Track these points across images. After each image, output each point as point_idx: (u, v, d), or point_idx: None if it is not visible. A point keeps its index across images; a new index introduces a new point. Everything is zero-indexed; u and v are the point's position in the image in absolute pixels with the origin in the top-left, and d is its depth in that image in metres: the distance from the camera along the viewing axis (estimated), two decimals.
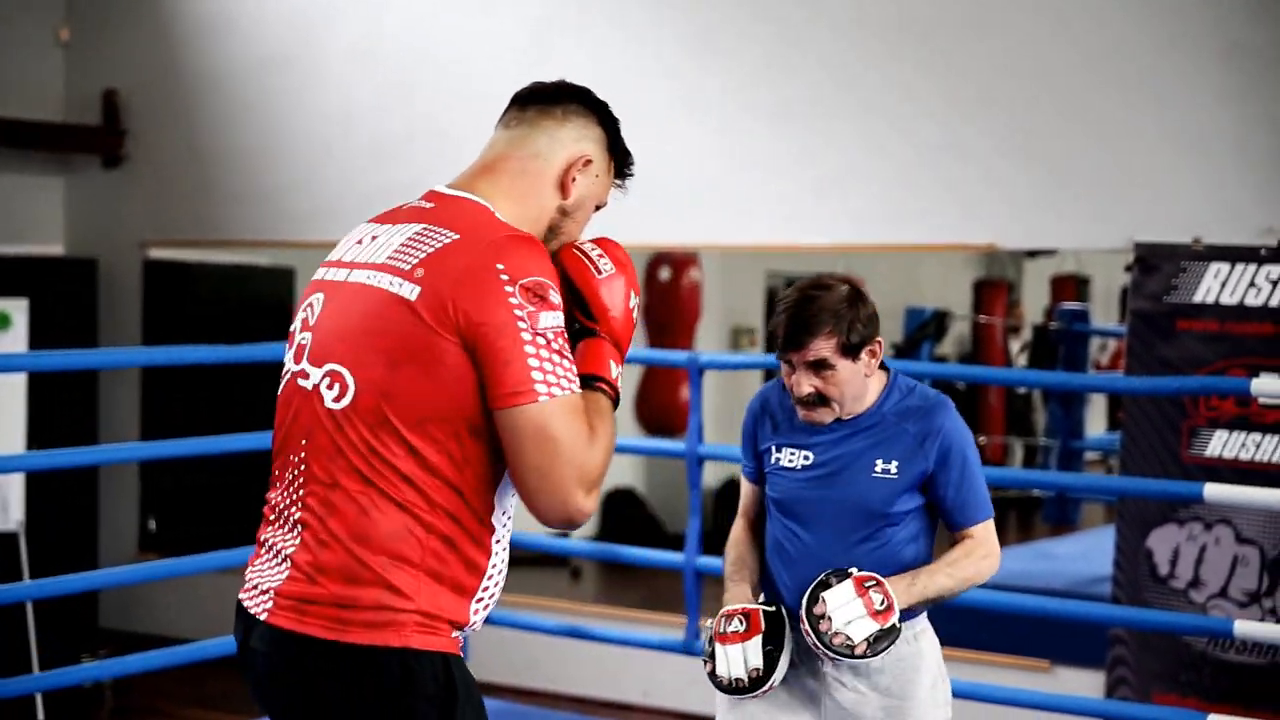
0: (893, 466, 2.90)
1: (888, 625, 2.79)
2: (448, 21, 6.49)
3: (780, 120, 5.80)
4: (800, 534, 2.95)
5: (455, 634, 2.17)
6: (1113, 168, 5.21)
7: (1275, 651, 4.81)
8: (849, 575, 2.82)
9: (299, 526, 2.19)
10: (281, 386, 2.29)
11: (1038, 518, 9.29)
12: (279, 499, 2.25)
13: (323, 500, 2.16)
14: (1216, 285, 4.94)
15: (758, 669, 2.84)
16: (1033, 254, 8.94)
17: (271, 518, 2.27)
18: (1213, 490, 3.97)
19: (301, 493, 2.19)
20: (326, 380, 2.17)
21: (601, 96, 2.41)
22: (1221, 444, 4.92)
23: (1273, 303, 4.84)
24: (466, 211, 2.21)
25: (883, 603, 2.79)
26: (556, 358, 2.10)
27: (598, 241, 2.33)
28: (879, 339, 2.90)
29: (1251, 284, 4.88)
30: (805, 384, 2.89)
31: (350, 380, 2.15)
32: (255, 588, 2.24)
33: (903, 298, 8.80)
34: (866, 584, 2.81)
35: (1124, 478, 5.03)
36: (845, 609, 2.79)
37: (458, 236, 2.14)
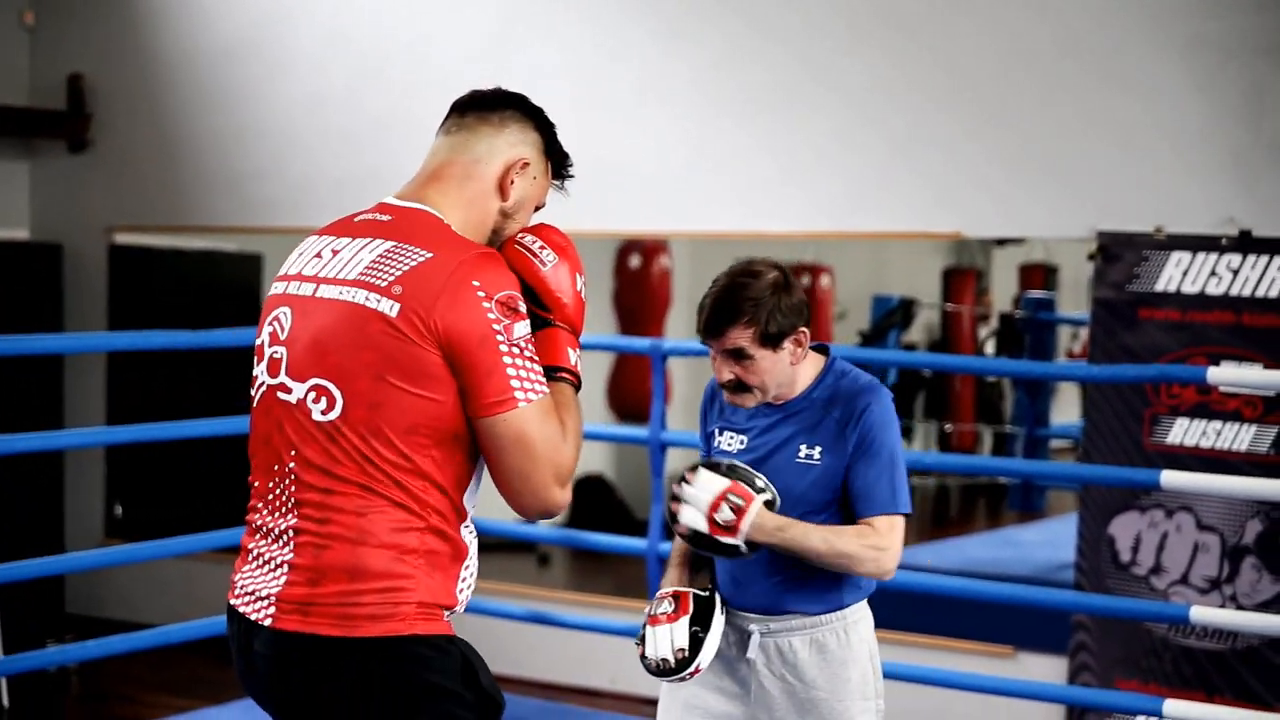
0: (815, 452, 2.88)
1: (722, 541, 2.79)
2: (417, 8, 6.48)
3: (748, 109, 5.82)
4: None
5: (447, 617, 2.30)
6: (1076, 157, 5.24)
7: (1235, 637, 4.86)
8: (736, 475, 2.82)
9: (293, 533, 2.28)
10: (257, 398, 2.36)
11: (1005, 505, 9.35)
12: (267, 508, 2.33)
13: (319, 506, 2.25)
14: (1178, 274, 4.97)
15: (683, 650, 2.84)
16: (1001, 242, 8.97)
17: (258, 525, 2.35)
18: (1170, 478, 4.01)
19: (294, 501, 2.28)
20: (312, 394, 2.26)
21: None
22: (1183, 432, 4.97)
23: (1233, 292, 4.88)
24: (425, 225, 2.30)
25: (727, 522, 2.78)
26: (529, 364, 2.25)
27: (535, 231, 2.42)
28: (803, 329, 2.87)
29: (1213, 273, 4.92)
30: (725, 371, 2.89)
31: (337, 394, 2.24)
32: (251, 594, 2.33)
33: (873, 285, 8.83)
34: (733, 495, 2.79)
35: (1081, 465, 5.07)
36: (698, 496, 2.80)
37: (431, 255, 2.23)
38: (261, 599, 2.30)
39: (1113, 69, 5.20)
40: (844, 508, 2.90)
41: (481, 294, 2.22)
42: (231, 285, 7.43)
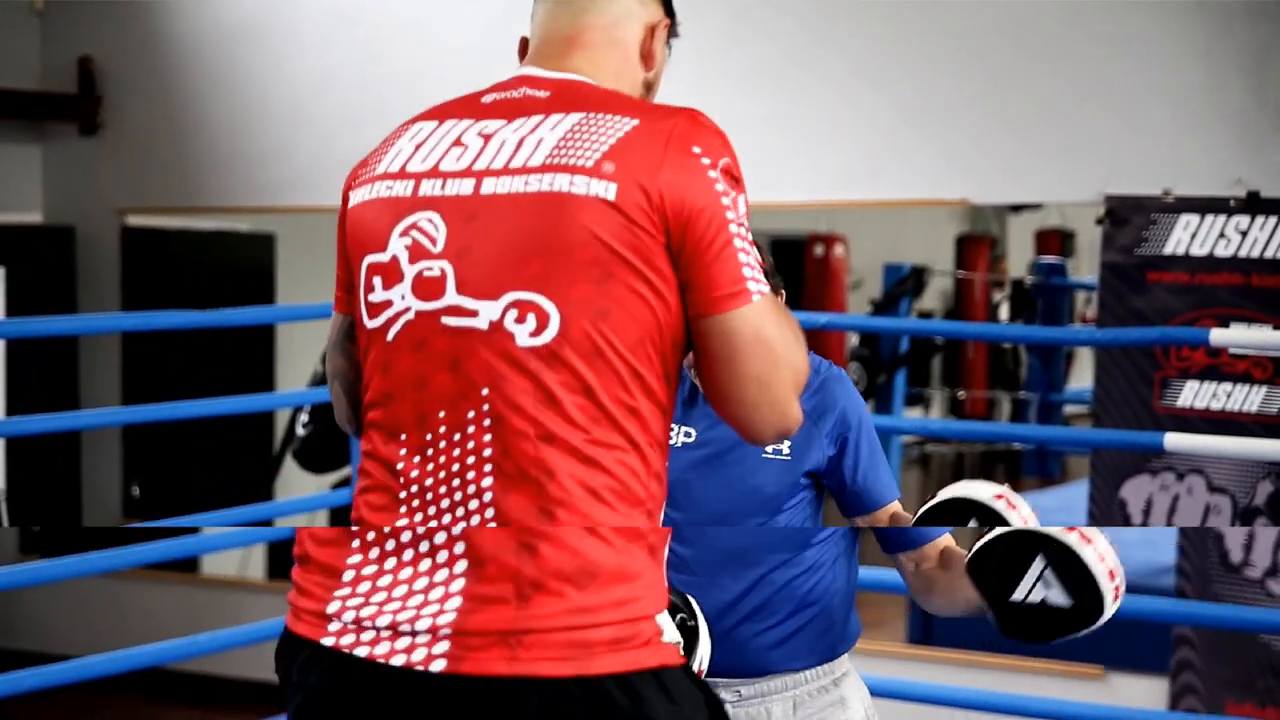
0: (785, 446, 2.51)
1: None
2: None
3: (752, 79, 5.81)
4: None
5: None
6: (1082, 122, 5.22)
7: None
8: None
9: (479, 521, 1.69)
10: (394, 330, 1.80)
11: (1022, 472, 9.31)
12: (415, 488, 1.74)
13: (523, 477, 1.68)
14: (1186, 237, 4.96)
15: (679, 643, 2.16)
16: (1017, 208, 8.96)
17: (388, 512, 1.75)
18: (1174, 440, 3.89)
19: (484, 469, 1.71)
20: (514, 314, 1.73)
21: None
22: (1193, 394, 4.95)
23: (1241, 254, 4.86)
24: (602, 94, 1.87)
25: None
26: (753, 249, 1.81)
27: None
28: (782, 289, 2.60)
29: (1221, 235, 4.90)
30: None
31: (550, 307, 1.72)
32: (386, 628, 1.67)
33: (888, 254, 8.83)
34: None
35: (1085, 429, 5.00)
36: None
37: (637, 121, 1.79)
38: (416, 633, 1.65)
39: (1117, 32, 5.17)
40: (809, 504, 2.57)
41: (706, 161, 1.78)
42: (244, 265, 7.46)
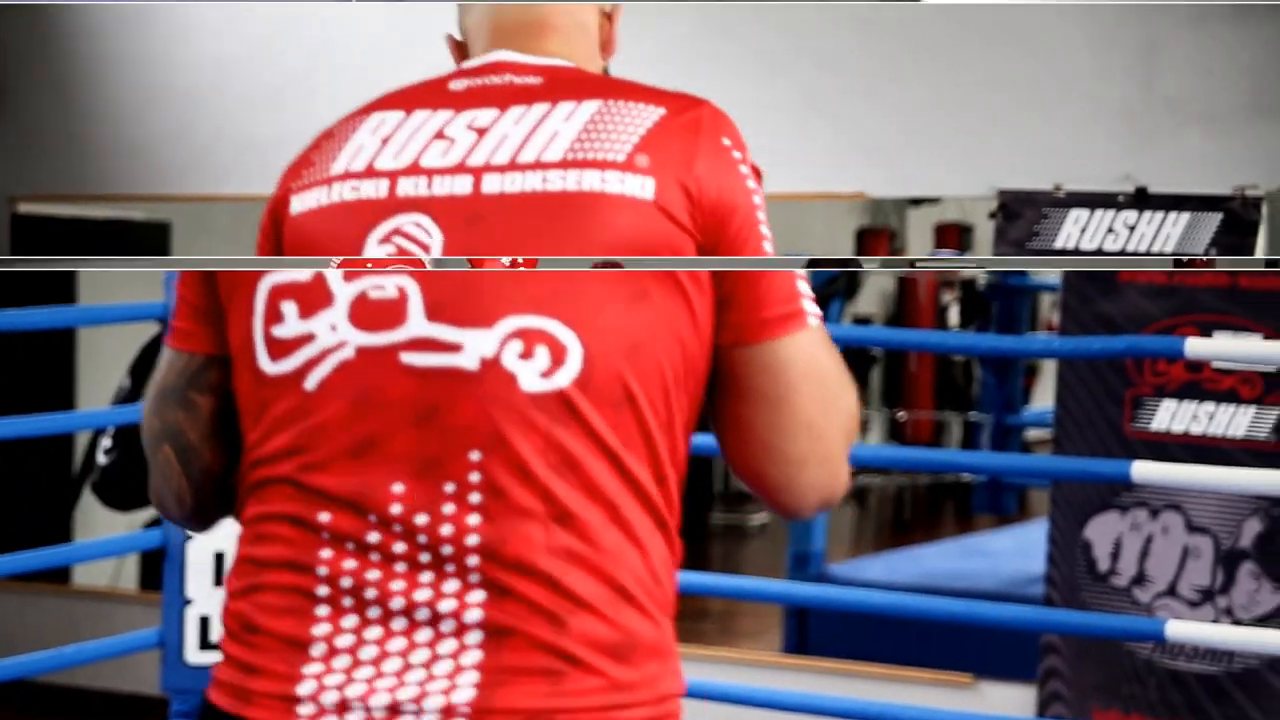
0: None
1: None
2: None
3: (650, 69, 5.81)
4: None
5: None
6: (976, 116, 5.28)
7: (1231, 658, 4.29)
8: None
9: (488, 594, 1.34)
10: (318, 374, 1.40)
11: (973, 508, 8.35)
12: (369, 574, 1.36)
13: (546, 549, 1.34)
14: (1076, 231, 5.03)
15: None
16: (916, 202, 9.04)
17: (338, 583, 1.37)
18: (1143, 470, 3.46)
19: (472, 555, 1.34)
20: (517, 346, 1.36)
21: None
22: (1170, 416, 4.57)
23: (1129, 248, 4.95)
24: (604, 80, 1.59)
25: None
26: None
27: None
28: None
29: (1110, 230, 4.98)
30: None
31: (570, 338, 1.36)
32: (387, 708, 1.34)
33: (786, 246, 8.85)
34: None
35: (1040, 457, 4.63)
36: None
37: (664, 110, 1.51)
38: (423, 713, 1.33)
39: (1011, 25, 5.24)
40: None
41: (737, 154, 1.54)
42: (140, 254, 7.36)
